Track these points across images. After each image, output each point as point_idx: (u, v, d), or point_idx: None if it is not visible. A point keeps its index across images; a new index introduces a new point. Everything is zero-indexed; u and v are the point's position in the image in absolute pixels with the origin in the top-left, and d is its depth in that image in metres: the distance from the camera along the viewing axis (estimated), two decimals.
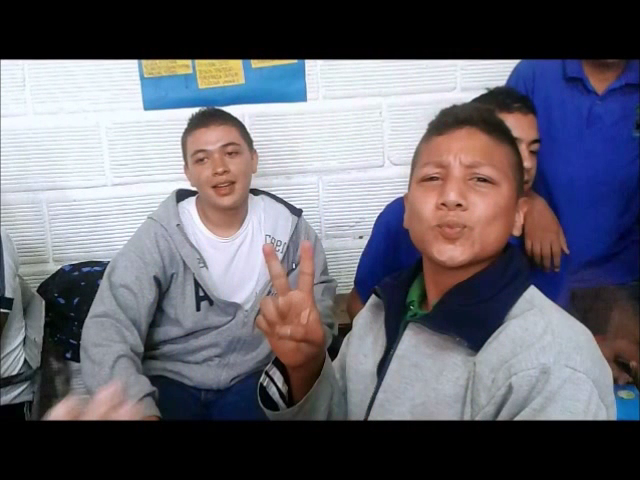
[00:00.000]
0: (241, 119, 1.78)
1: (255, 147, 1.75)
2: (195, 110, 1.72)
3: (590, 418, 0.75)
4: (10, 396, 1.71)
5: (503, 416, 0.77)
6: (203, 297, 1.65)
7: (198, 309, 1.65)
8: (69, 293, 1.99)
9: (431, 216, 0.87)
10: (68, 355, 2.03)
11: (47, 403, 1.90)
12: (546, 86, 1.73)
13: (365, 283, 1.62)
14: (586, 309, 1.71)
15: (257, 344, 1.71)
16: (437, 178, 0.89)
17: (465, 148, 0.88)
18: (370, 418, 0.95)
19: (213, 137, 1.62)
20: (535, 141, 1.43)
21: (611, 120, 1.69)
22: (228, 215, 1.68)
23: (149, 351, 1.67)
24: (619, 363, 1.42)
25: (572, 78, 1.70)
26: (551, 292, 0.92)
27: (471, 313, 0.86)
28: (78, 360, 1.62)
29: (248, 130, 1.74)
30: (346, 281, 2.10)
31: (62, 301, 1.99)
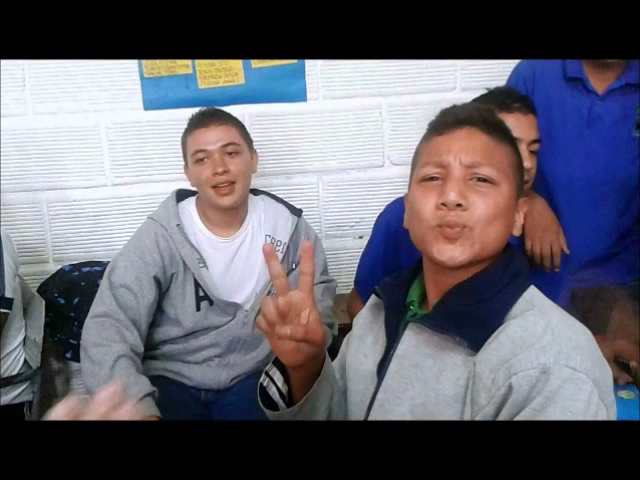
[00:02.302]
0: (241, 119, 1.78)
1: (255, 147, 1.75)
2: (195, 110, 1.72)
3: (590, 418, 0.75)
4: (10, 396, 1.71)
5: (503, 416, 0.77)
6: (203, 297, 1.65)
7: (198, 309, 1.65)
8: (69, 293, 1.99)
9: (431, 216, 0.88)
10: (68, 355, 2.03)
11: (47, 403, 1.89)
12: (546, 86, 1.73)
13: (365, 283, 1.62)
14: (586, 309, 1.71)
15: (257, 344, 1.72)
16: (437, 178, 0.89)
17: (465, 148, 0.88)
18: (370, 418, 0.95)
19: (213, 137, 1.62)
20: (535, 141, 1.43)
21: (611, 120, 1.69)
22: (228, 215, 1.68)
23: (149, 351, 1.67)
24: (619, 363, 1.42)
25: (572, 78, 1.70)
26: (551, 292, 0.92)
27: (471, 313, 0.86)
28: (78, 360, 1.62)
29: (248, 130, 1.74)
30: (346, 281, 2.10)
31: (62, 301, 1.99)
